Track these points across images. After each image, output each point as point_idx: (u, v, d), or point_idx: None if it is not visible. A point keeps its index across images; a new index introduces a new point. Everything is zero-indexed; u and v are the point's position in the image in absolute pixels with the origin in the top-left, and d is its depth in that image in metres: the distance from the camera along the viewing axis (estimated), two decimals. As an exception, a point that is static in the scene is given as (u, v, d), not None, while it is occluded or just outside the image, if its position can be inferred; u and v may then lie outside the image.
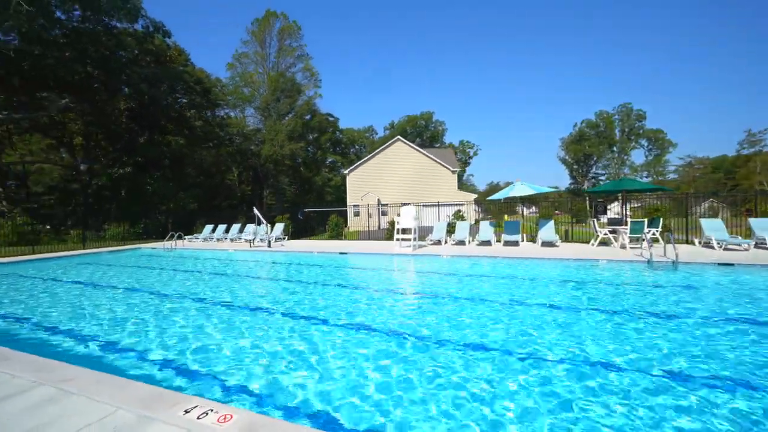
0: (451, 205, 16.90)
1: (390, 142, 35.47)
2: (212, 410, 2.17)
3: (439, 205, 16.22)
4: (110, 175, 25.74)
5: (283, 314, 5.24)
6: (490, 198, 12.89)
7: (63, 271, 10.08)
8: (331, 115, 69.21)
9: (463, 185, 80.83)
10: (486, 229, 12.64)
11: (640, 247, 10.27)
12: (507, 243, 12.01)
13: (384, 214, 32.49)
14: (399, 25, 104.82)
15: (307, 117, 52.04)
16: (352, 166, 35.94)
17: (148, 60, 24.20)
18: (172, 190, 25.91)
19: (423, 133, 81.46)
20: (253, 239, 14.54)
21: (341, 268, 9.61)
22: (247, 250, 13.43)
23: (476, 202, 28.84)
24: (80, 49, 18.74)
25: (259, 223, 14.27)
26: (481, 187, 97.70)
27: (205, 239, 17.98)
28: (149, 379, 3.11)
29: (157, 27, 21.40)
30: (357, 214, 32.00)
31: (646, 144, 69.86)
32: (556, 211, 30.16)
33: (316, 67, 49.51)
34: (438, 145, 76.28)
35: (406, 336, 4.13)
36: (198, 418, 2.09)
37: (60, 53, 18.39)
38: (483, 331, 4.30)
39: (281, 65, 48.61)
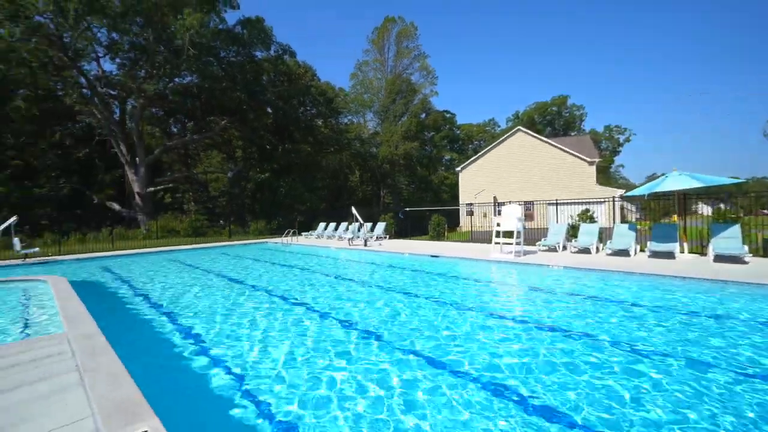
0: (580, 202, 13.46)
1: (508, 133, 31.95)
2: None
3: (557, 203, 13.15)
4: (256, 180, 31.03)
5: (321, 316, 4.64)
6: (629, 194, 9.58)
7: (201, 258, 12.17)
8: (448, 112, 67.57)
9: (608, 178, 67.35)
10: (623, 234, 9.46)
11: None
12: (654, 254, 8.67)
13: (499, 214, 29.47)
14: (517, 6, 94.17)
15: (422, 116, 52.09)
16: (465, 163, 33.90)
17: (282, 80, 28.18)
18: (300, 191, 29.47)
19: (555, 122, 71.61)
20: (351, 237, 14.81)
21: (422, 272, 8.56)
22: (345, 248, 13.73)
23: (624, 198, 23.06)
24: (232, 78, 23.17)
25: (357, 222, 14.41)
26: (637, 180, 79.71)
27: (318, 236, 19.49)
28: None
29: (285, 50, 24.68)
30: (470, 214, 29.97)
31: None
32: (764, 210, 21.28)
33: (432, 64, 48.96)
34: (574, 133, 65.71)
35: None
36: None
37: (219, 84, 23.10)
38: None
39: (399, 68, 49.91)
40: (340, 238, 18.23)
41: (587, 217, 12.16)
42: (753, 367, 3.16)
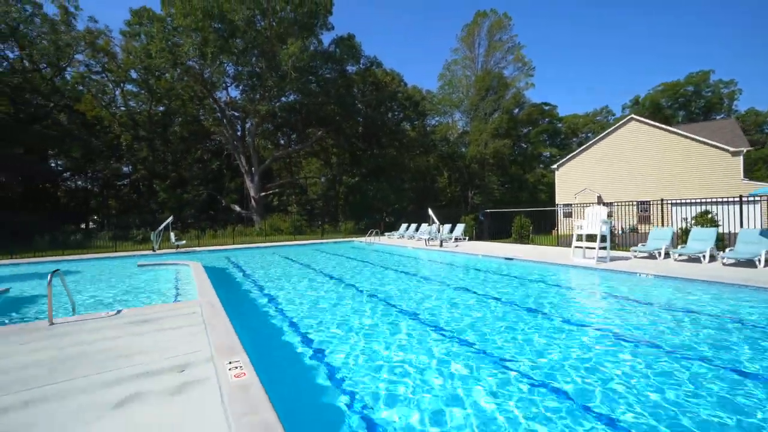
0: (692, 203, 11.06)
1: (618, 124, 28.13)
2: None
3: (662, 203, 11.18)
4: (347, 184, 33.77)
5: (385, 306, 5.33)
6: (756, 192, 7.76)
7: (297, 252, 14.19)
8: (547, 104, 62.18)
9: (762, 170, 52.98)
10: (749, 242, 7.81)
11: None
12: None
13: (609, 216, 26.13)
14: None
15: (515, 111, 49.09)
16: (562, 160, 30.96)
17: (370, 89, 30.20)
18: (387, 194, 31.03)
19: (690, 104, 59.16)
20: (428, 238, 15.25)
21: (490, 273, 8.55)
22: (422, 248, 14.26)
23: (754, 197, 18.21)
24: (326, 93, 25.94)
25: (435, 224, 14.81)
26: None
27: (400, 236, 20.44)
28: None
29: (372, 62, 26.42)
30: (568, 215, 27.34)
31: None
32: None
33: (530, 54, 45.90)
34: (719, 116, 53.61)
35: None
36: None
37: (316, 99, 26.10)
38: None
39: (490, 62, 48.06)
40: (419, 238, 18.83)
41: (706, 219, 10.25)
42: None
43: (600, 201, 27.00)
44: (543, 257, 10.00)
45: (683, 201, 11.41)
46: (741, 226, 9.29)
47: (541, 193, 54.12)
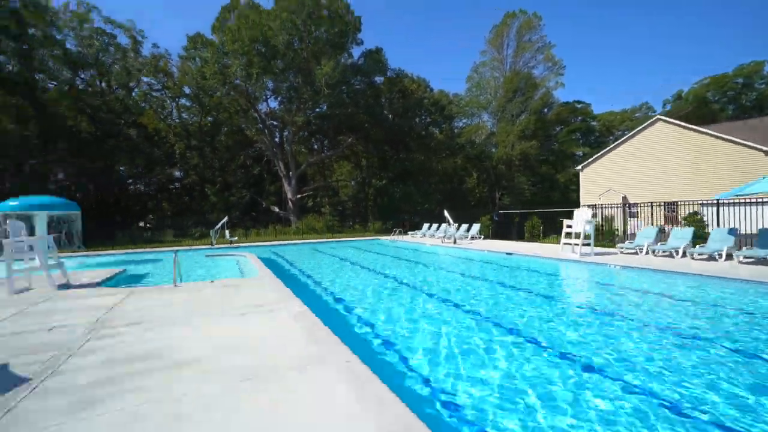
0: (685, 203, 11.82)
1: (644, 124, 28.16)
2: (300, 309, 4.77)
3: (676, 204, 12.09)
4: (375, 186, 36.02)
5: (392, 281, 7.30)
6: (717, 197, 8.76)
7: (330, 247, 16.51)
8: (580, 102, 61.03)
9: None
10: (717, 240, 8.93)
11: None
12: (749, 259, 8.10)
13: (633, 216, 26.27)
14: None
15: (544, 111, 48.94)
16: (587, 161, 31.24)
17: (397, 97, 32.28)
18: (414, 195, 32.91)
19: (740, 97, 55.49)
20: (444, 236, 16.98)
21: (488, 263, 10.24)
22: (438, 245, 16.05)
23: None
24: (356, 103, 28.30)
25: (449, 223, 16.53)
26: None
27: (422, 235, 22.26)
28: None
29: (398, 73, 28.44)
30: (593, 216, 27.73)
31: None
32: None
33: (564, 53, 45.83)
34: None
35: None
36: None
37: (346, 110, 28.56)
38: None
39: (519, 63, 48.32)
40: (438, 237, 20.57)
41: (694, 220, 11.25)
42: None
43: (625, 203, 27.16)
44: (538, 252, 11.50)
45: (686, 202, 12.38)
46: (717, 225, 10.31)
47: (572, 192, 53.31)
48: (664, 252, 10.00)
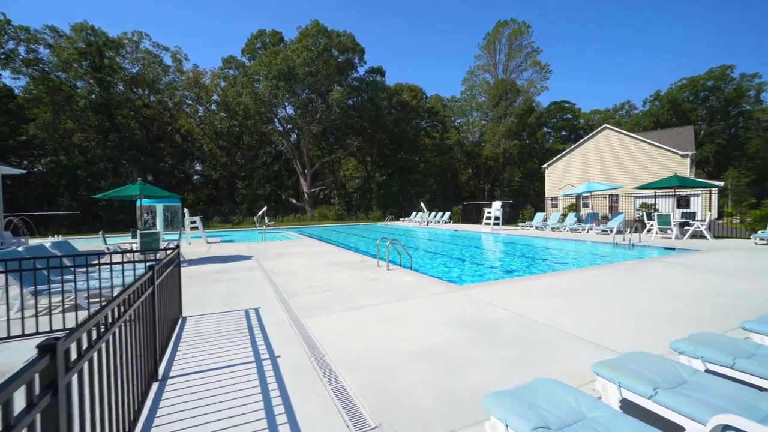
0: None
1: (595, 132, 34.25)
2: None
3: (619, 196, 18.69)
4: (377, 181, 42.78)
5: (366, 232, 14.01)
6: (566, 194, 15.26)
7: (340, 228, 23.31)
8: (567, 101, 66.64)
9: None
10: (616, 220, 15.61)
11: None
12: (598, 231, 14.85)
13: (586, 206, 32.62)
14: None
15: (528, 113, 54.75)
16: (550, 161, 37.40)
17: (396, 108, 38.71)
18: (408, 189, 39.57)
19: (709, 99, 60.65)
20: (419, 221, 23.74)
21: (439, 233, 16.90)
22: (415, 227, 22.73)
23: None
24: (360, 115, 34.81)
25: (423, 211, 23.27)
26: None
27: (410, 220, 28.99)
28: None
29: (395, 92, 34.76)
30: (555, 206, 34.10)
31: None
32: None
33: (550, 57, 51.41)
34: (740, 109, 55.99)
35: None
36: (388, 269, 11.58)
37: (352, 120, 35.09)
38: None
39: (510, 67, 53.91)
40: (416, 221, 27.33)
41: (572, 207, 17.77)
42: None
43: (581, 194, 33.44)
44: (471, 229, 18.17)
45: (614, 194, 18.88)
46: (610, 212, 16.90)
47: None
48: (546, 228, 16.60)
